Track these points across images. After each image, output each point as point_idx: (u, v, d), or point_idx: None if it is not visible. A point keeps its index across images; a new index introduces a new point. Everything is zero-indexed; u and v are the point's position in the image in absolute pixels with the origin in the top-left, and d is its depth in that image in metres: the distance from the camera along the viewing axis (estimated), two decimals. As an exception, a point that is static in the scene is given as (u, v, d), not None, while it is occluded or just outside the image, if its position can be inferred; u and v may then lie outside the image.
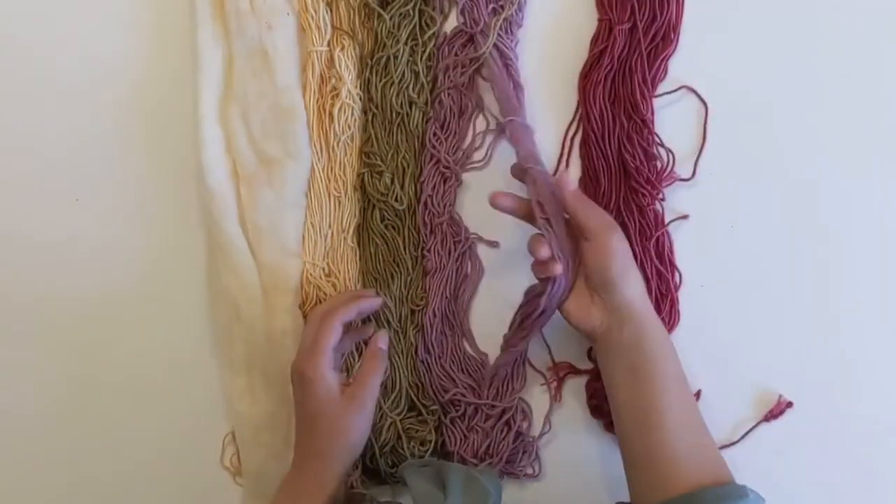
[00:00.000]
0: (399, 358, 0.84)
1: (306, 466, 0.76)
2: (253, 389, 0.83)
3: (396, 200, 0.84)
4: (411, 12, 0.83)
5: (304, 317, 0.84)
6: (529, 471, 0.84)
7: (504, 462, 0.82)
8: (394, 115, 0.84)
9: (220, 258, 0.83)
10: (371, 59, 0.84)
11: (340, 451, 0.76)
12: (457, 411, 0.82)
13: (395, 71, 0.83)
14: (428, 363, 0.83)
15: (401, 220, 0.84)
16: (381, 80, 0.84)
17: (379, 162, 0.84)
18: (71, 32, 0.88)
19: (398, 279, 0.84)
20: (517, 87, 0.83)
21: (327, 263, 0.85)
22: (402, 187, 0.84)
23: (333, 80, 0.85)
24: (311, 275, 0.84)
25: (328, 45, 0.84)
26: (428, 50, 0.84)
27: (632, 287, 0.74)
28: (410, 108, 0.84)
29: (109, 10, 0.87)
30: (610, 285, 0.74)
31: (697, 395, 0.83)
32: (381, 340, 0.81)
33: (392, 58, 0.83)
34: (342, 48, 0.84)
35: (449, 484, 0.71)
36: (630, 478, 0.73)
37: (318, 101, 0.85)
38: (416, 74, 0.84)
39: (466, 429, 0.82)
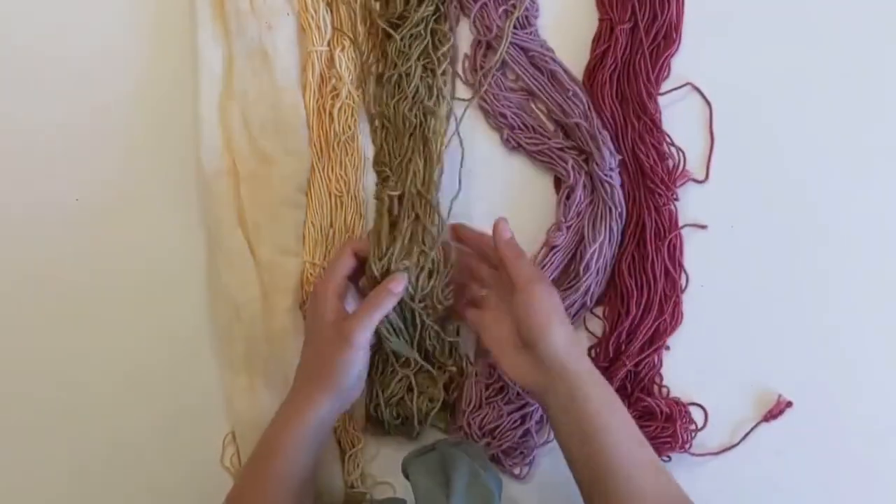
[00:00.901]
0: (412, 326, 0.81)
1: (295, 386, 0.76)
2: (253, 389, 0.83)
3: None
4: (423, 32, 0.83)
5: (305, 316, 0.84)
6: (517, 471, 0.83)
7: (500, 450, 0.82)
8: (407, 125, 0.82)
9: (220, 257, 0.83)
10: (382, 78, 0.83)
11: (321, 381, 0.74)
12: (489, 378, 0.82)
13: (409, 87, 0.82)
14: None
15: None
16: (392, 98, 0.83)
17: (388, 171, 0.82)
18: (71, 32, 0.88)
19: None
20: (553, 72, 0.83)
21: (328, 263, 0.85)
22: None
23: (333, 81, 0.85)
24: (311, 274, 0.84)
25: (328, 45, 0.84)
26: (443, 66, 0.83)
27: (557, 337, 0.72)
28: (425, 118, 0.82)
29: (109, 10, 0.87)
30: (534, 338, 0.72)
31: (705, 417, 0.83)
32: (395, 282, 0.76)
33: (404, 75, 0.82)
34: (342, 48, 0.84)
35: (453, 482, 0.70)
36: None
37: (318, 101, 0.85)
38: (430, 88, 0.83)
39: (485, 398, 0.82)
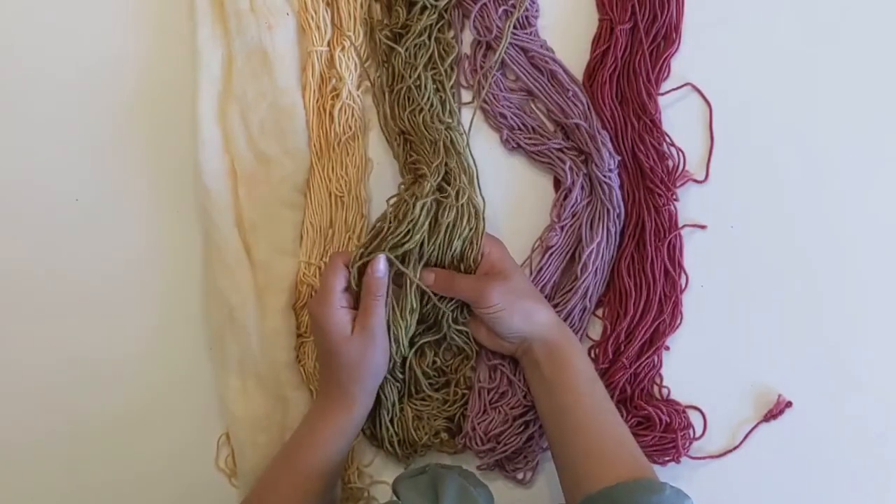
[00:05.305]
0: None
1: (331, 393, 0.78)
2: (247, 390, 0.83)
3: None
4: (427, 42, 0.82)
5: (297, 316, 0.84)
6: (521, 476, 0.83)
7: (504, 455, 0.81)
8: (428, 133, 0.81)
9: (216, 257, 0.83)
10: (391, 92, 0.83)
11: (361, 379, 0.77)
12: (491, 382, 0.82)
13: (422, 99, 0.81)
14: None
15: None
16: (405, 110, 0.82)
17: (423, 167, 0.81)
18: (71, 32, 0.88)
19: None
20: (552, 72, 0.83)
21: (324, 263, 0.85)
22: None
23: (333, 81, 0.85)
24: (305, 274, 0.84)
25: (328, 45, 0.84)
26: (453, 79, 0.83)
27: (538, 318, 0.77)
28: (447, 132, 0.81)
29: (110, 10, 0.87)
30: (510, 338, 0.78)
31: (704, 424, 0.83)
32: (377, 268, 0.77)
33: (414, 87, 0.82)
34: (342, 48, 0.84)
35: (442, 498, 0.71)
36: (560, 480, 0.75)
37: (317, 102, 0.85)
38: (444, 103, 0.82)
39: (490, 403, 0.81)
